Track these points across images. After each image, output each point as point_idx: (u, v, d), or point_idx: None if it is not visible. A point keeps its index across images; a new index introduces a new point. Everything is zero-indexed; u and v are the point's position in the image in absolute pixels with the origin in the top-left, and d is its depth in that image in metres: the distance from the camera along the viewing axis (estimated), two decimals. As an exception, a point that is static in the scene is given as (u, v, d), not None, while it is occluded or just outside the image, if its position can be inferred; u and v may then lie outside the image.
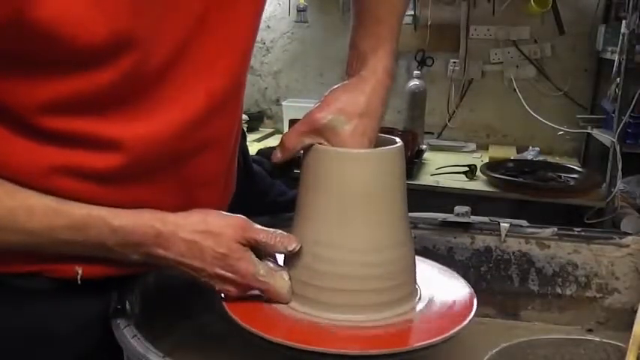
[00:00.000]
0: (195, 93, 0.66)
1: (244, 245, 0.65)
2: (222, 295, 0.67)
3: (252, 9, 0.70)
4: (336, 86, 0.72)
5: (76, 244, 0.63)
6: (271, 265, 0.67)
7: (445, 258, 0.88)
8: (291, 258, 0.68)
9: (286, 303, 0.67)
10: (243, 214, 0.68)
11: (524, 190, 2.06)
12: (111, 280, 0.69)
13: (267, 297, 0.67)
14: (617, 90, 2.03)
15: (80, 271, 0.67)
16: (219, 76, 0.68)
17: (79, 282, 0.67)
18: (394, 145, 0.69)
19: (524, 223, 0.91)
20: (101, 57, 0.57)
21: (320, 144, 0.69)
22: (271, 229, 0.66)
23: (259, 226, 0.66)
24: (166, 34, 0.61)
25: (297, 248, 0.66)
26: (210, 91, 0.67)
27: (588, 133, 2.35)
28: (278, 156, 0.71)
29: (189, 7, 0.62)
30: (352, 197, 0.66)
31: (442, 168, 2.23)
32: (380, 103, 0.71)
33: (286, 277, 0.67)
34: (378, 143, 0.71)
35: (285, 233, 0.67)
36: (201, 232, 0.65)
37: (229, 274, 0.64)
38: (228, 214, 0.68)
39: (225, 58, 0.67)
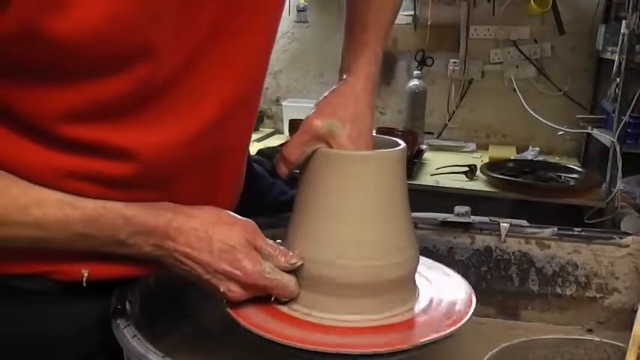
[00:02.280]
0: (209, 99, 0.66)
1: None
2: (225, 300, 0.66)
3: (269, 16, 0.71)
4: (326, 93, 0.74)
5: (89, 237, 0.63)
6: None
7: (445, 258, 0.88)
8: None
9: (293, 298, 0.67)
10: (243, 214, 0.69)
11: (524, 190, 2.06)
12: (112, 282, 0.69)
13: (274, 294, 0.67)
14: (617, 90, 2.03)
15: (86, 273, 0.67)
16: (234, 82, 0.67)
17: (85, 284, 0.67)
18: (396, 148, 0.69)
19: (524, 223, 0.91)
20: (117, 66, 0.57)
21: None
22: (275, 245, 0.67)
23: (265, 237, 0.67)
24: (181, 42, 0.61)
25: (299, 264, 0.66)
26: (224, 97, 0.67)
27: (588, 133, 2.35)
28: (284, 171, 0.71)
29: (204, 15, 0.62)
30: (353, 199, 0.66)
31: (442, 168, 2.23)
32: (366, 106, 0.73)
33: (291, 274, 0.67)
34: (381, 145, 0.71)
35: (287, 250, 0.67)
36: (212, 223, 0.65)
37: (235, 271, 0.64)
38: (239, 216, 0.68)
39: (239, 64, 0.67)
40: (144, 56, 0.58)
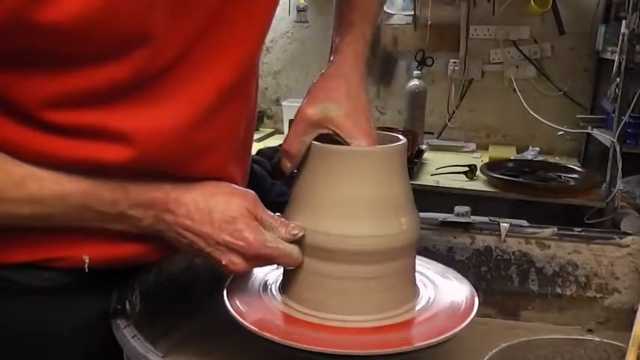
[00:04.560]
0: (205, 85, 0.65)
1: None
2: (228, 273, 0.66)
3: (267, 4, 0.70)
4: (316, 80, 0.74)
5: (88, 210, 0.62)
6: None
7: (445, 258, 0.88)
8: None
9: (297, 265, 0.67)
10: None
11: (524, 190, 2.06)
12: (112, 278, 0.69)
13: (278, 263, 0.66)
14: (617, 90, 2.03)
15: (87, 259, 0.67)
16: (230, 68, 0.67)
17: (87, 270, 0.67)
18: (396, 143, 0.69)
19: (524, 223, 0.91)
20: (114, 54, 0.57)
21: (323, 135, 0.69)
22: (276, 216, 0.67)
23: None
24: (180, 30, 0.61)
25: (301, 235, 0.66)
26: (220, 82, 0.66)
27: (588, 133, 2.35)
28: (288, 166, 0.71)
29: (203, 2, 0.62)
30: (352, 196, 0.66)
31: (442, 168, 2.24)
32: (359, 84, 0.72)
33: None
34: (382, 140, 0.71)
35: (287, 221, 0.67)
36: (212, 194, 0.65)
37: (238, 242, 0.63)
38: (240, 187, 0.68)
39: (237, 50, 0.67)
40: (140, 44, 0.57)
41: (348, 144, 0.69)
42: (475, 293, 0.71)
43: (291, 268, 0.68)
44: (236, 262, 0.64)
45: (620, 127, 1.99)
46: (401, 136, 0.71)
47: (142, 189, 0.64)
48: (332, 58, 0.75)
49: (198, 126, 0.65)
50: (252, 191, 0.68)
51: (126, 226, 0.65)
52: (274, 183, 1.03)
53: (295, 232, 0.66)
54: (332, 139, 0.70)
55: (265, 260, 0.66)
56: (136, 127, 0.61)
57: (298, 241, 0.66)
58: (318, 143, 0.68)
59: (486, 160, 2.36)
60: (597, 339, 0.68)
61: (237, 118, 0.74)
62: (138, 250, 0.70)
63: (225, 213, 0.64)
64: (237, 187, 0.68)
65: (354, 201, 0.65)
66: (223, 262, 0.64)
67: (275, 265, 0.74)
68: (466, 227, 0.90)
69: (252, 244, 0.63)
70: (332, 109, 0.69)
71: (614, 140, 2.01)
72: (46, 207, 0.61)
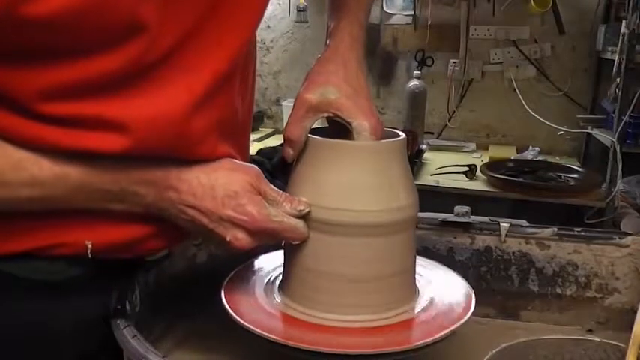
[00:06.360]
0: (201, 73, 0.64)
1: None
2: (232, 250, 0.65)
3: None
4: (313, 65, 0.73)
5: (90, 189, 0.62)
6: None
7: (445, 258, 0.88)
8: (289, 255, 0.68)
9: (303, 239, 0.66)
10: None
11: (524, 190, 2.06)
12: (112, 276, 0.69)
13: (283, 238, 0.66)
14: (617, 90, 2.03)
15: (90, 245, 0.66)
16: (227, 55, 0.66)
17: (90, 255, 0.66)
18: (396, 138, 0.69)
19: (524, 223, 0.91)
20: (108, 45, 0.56)
21: (328, 121, 0.69)
22: (280, 191, 0.66)
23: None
24: (176, 19, 0.60)
25: (306, 212, 0.65)
26: (217, 70, 0.66)
27: (588, 133, 2.35)
28: (290, 153, 0.70)
29: None
30: (352, 181, 0.65)
31: (442, 168, 2.24)
32: (357, 66, 0.72)
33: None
34: (383, 136, 0.71)
35: (292, 197, 0.66)
36: (214, 170, 0.65)
37: (241, 217, 0.63)
38: (242, 162, 0.68)
39: (233, 38, 0.66)
40: (134, 35, 0.57)
41: (349, 124, 0.68)
42: (472, 293, 0.71)
43: (296, 242, 0.66)
44: (240, 237, 0.64)
45: (620, 127, 1.99)
46: (400, 132, 0.71)
47: (143, 168, 0.63)
48: (328, 42, 0.75)
49: (195, 113, 0.65)
50: (255, 166, 0.67)
51: (129, 206, 0.64)
52: (274, 183, 1.03)
53: (301, 207, 0.65)
54: (336, 124, 0.70)
55: (270, 235, 0.65)
56: (132, 116, 0.61)
57: (303, 219, 0.65)
58: (318, 137, 0.68)
59: (486, 160, 2.36)
60: (597, 339, 0.68)
61: (234, 104, 0.73)
62: (141, 233, 0.69)
63: (228, 188, 0.63)
64: (240, 162, 0.68)
65: (353, 186, 0.65)
66: (227, 238, 0.64)
67: (274, 265, 0.74)
68: (466, 227, 0.90)
69: (255, 218, 0.63)
70: (331, 92, 0.69)
71: (614, 140, 2.01)
72: (46, 189, 0.61)
